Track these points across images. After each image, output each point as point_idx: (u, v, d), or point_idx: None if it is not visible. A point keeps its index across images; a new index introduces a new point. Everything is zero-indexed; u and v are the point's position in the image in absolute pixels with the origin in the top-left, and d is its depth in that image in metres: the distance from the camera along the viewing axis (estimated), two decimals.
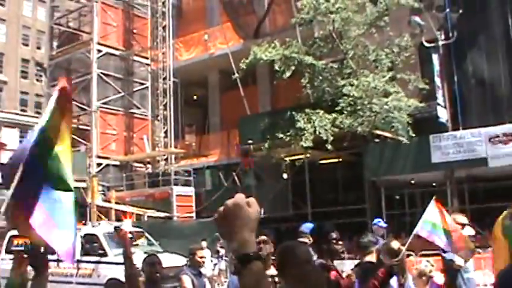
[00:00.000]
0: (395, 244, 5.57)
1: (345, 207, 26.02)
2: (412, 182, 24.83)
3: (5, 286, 3.17)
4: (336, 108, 23.41)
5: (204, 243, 19.00)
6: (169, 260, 15.92)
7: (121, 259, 15.71)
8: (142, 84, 35.35)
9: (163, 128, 33.51)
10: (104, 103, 33.00)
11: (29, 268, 3.22)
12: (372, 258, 5.97)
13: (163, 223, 26.44)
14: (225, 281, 18.73)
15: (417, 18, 23.17)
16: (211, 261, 20.90)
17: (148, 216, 27.15)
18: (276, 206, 26.59)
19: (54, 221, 3.05)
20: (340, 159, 27.58)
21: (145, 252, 17.06)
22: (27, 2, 63.09)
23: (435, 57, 23.77)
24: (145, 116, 35.13)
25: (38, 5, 61.49)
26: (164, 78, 33.53)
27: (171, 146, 33.34)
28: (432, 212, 6.28)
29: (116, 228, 5.72)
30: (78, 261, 17.29)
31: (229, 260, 20.87)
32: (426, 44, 23.60)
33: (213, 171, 33.19)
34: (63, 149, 3.18)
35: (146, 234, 19.35)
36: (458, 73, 25.63)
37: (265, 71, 30.01)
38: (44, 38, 50.87)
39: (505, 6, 25.06)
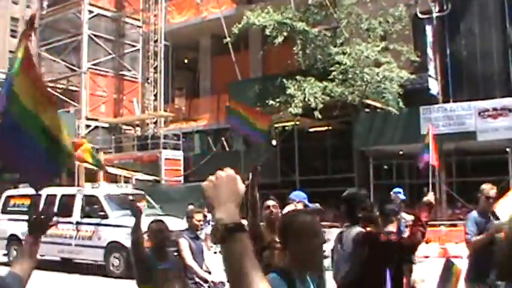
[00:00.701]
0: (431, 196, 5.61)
1: (333, 176, 26.11)
2: (401, 153, 24.90)
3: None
4: (328, 77, 23.35)
5: (191, 207, 19.00)
6: (172, 223, 15.90)
7: (122, 221, 15.75)
8: (133, 46, 35.11)
9: (153, 91, 33.39)
10: (94, 64, 32.77)
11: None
12: (393, 227, 5.70)
13: (151, 186, 26.46)
14: (212, 246, 18.79)
15: None
16: None
17: (136, 179, 27.15)
18: (265, 173, 26.32)
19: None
20: (330, 128, 27.57)
21: (146, 215, 17.03)
22: None
23: (429, 29, 23.68)
24: (136, 78, 34.94)
25: None
26: (155, 41, 33.30)
27: (160, 110, 33.28)
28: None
29: (131, 200, 5.86)
30: (78, 223, 17.03)
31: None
32: (420, 16, 23.47)
33: (202, 136, 33.17)
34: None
35: (147, 197, 19.01)
36: (451, 46, 25.56)
37: (258, 37, 29.76)
38: None
39: None
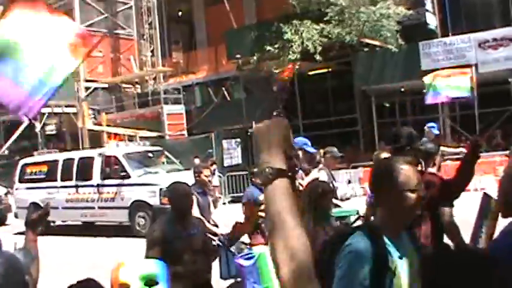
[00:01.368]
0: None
1: (336, 118, 26.14)
2: (402, 90, 24.81)
3: None
4: (324, 19, 23.08)
5: (197, 161, 19.08)
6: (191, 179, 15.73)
7: (144, 180, 15.73)
8: (126, 4, 34.65)
9: (150, 47, 33.18)
10: (88, 26, 32.37)
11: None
12: (434, 169, 5.35)
13: (155, 142, 26.48)
14: (219, 197, 18.83)
15: None
16: None
17: (140, 137, 27.16)
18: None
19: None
20: (330, 70, 27.38)
21: (168, 171, 17.10)
22: None
23: None
24: (131, 36, 34.65)
25: None
26: None
27: (158, 65, 33.11)
28: None
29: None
30: (99, 185, 16.73)
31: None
32: None
33: (202, 88, 33.09)
34: None
35: (166, 153, 18.79)
36: None
37: None
38: None
39: None
